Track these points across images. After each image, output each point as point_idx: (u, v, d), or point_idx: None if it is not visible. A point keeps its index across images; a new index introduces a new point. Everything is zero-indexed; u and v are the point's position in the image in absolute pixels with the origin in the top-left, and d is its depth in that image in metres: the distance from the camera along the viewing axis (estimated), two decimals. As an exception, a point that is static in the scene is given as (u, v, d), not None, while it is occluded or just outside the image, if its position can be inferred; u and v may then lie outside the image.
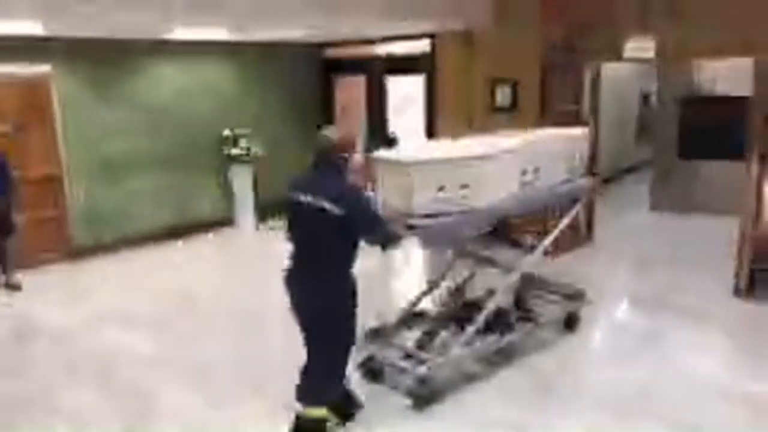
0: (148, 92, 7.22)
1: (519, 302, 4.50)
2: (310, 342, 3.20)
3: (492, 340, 4.06)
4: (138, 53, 7.02)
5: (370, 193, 3.57)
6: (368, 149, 8.12)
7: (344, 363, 3.26)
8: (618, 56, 5.75)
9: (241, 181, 7.99)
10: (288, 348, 4.44)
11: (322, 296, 3.08)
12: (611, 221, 7.46)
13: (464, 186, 3.59)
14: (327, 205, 2.96)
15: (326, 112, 9.01)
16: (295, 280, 3.17)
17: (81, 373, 4.27)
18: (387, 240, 3.19)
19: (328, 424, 3.25)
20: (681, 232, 7.43)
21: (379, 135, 8.22)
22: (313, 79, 8.84)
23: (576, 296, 4.75)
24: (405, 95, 8.23)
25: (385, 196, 3.66)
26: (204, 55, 7.61)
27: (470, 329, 3.91)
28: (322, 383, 3.21)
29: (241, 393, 3.94)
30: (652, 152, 8.99)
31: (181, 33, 6.41)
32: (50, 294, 5.87)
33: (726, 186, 7.10)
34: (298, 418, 3.24)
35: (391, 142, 8.08)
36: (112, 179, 7.04)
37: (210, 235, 7.73)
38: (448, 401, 3.73)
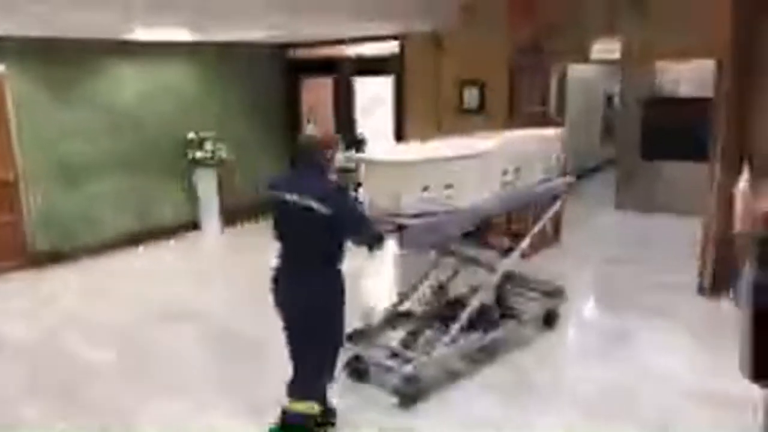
0: (108, 94, 7.00)
1: (500, 300, 4.54)
2: (299, 340, 3.19)
3: (475, 338, 4.12)
4: (98, 54, 6.80)
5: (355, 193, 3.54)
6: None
7: (334, 361, 3.27)
8: (585, 58, 5.79)
9: (206, 184, 7.82)
10: (257, 353, 4.44)
11: (310, 294, 3.07)
12: (577, 221, 7.53)
13: (449, 186, 3.64)
14: (314, 204, 2.95)
15: (293, 114, 8.91)
16: (283, 278, 3.17)
17: (44, 387, 4.11)
18: (374, 240, 3.20)
19: (317, 420, 3.22)
20: (645, 232, 7.55)
21: (347, 136, 8.15)
22: (279, 80, 8.72)
23: (555, 293, 4.84)
24: (373, 96, 8.18)
25: (371, 197, 3.66)
26: (166, 56, 7.43)
27: (454, 327, 3.95)
28: (311, 380, 3.21)
29: (214, 401, 3.84)
30: (615, 153, 9.14)
31: (142, 33, 6.24)
32: (9, 303, 5.65)
33: (688, 187, 7.24)
34: (284, 412, 3.20)
35: (359, 143, 8.03)
36: (71, 183, 6.81)
37: (172, 242, 7.54)
38: (432, 399, 3.75)
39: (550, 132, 4.75)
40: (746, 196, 2.70)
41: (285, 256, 3.18)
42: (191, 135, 7.61)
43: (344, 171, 7.96)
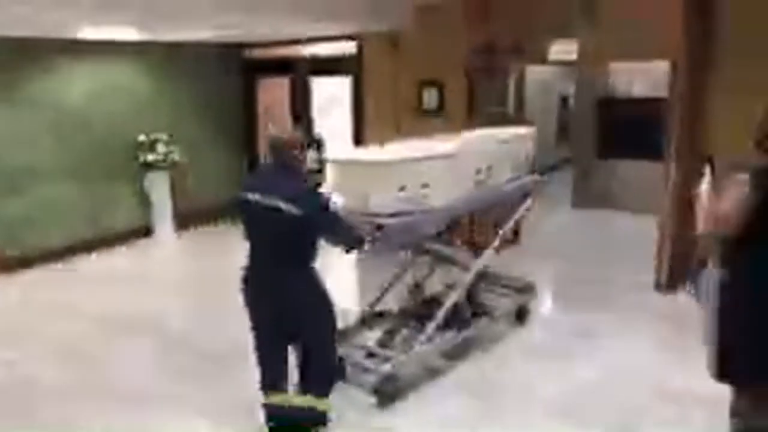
0: (55, 94, 6.70)
1: (471, 297, 4.53)
2: (280, 340, 3.15)
3: (451, 336, 4.16)
4: (43, 53, 6.50)
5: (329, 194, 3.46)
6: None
7: (336, 350, 3.29)
8: (543, 59, 5.83)
9: (159, 188, 7.58)
10: (217, 363, 4.29)
11: (292, 294, 3.02)
12: (535, 219, 7.58)
13: (425, 185, 3.66)
14: (283, 205, 2.88)
15: (248, 115, 8.73)
16: (254, 279, 3.11)
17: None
18: (351, 241, 3.20)
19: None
20: (602, 230, 7.67)
21: (305, 133, 8.02)
22: (234, 80, 8.52)
23: (525, 289, 4.93)
24: (330, 97, 8.07)
25: (346, 198, 3.64)
26: (116, 55, 7.16)
27: (430, 326, 3.96)
28: (323, 374, 3.22)
29: (174, 416, 3.68)
30: (571, 152, 9.28)
31: (90, 32, 5.99)
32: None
33: (643, 185, 7.39)
34: (276, 405, 3.20)
35: (317, 144, 7.90)
36: (14, 188, 6.48)
37: (124, 248, 7.27)
38: (410, 397, 3.80)
39: (520, 130, 4.81)
40: (709, 197, 2.72)
41: (255, 256, 3.12)
42: (142, 137, 7.36)
43: (309, 172, 7.85)
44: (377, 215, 3.49)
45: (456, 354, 4.26)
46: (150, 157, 7.37)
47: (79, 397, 3.97)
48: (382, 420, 3.58)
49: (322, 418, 3.23)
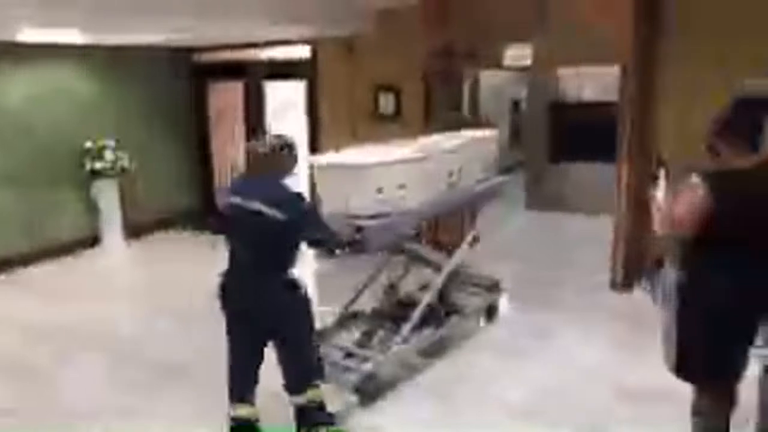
0: (-8, 99, 6.39)
1: (443, 297, 4.63)
2: (276, 338, 3.13)
3: (427, 335, 4.27)
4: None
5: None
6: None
7: (316, 348, 3.31)
8: (497, 64, 5.89)
9: (107, 196, 7.30)
10: (177, 378, 4.14)
11: (272, 297, 3.04)
12: (490, 221, 7.63)
13: (401, 187, 3.76)
14: (266, 210, 2.92)
15: (200, 120, 8.53)
16: (234, 283, 3.11)
17: None
18: (332, 245, 3.33)
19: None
20: (556, 231, 7.80)
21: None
22: (184, 85, 8.31)
23: (493, 288, 5.09)
24: (285, 101, 7.96)
25: (325, 200, 3.76)
26: (61, 59, 6.87)
27: (407, 326, 4.06)
28: (309, 370, 3.23)
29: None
30: (524, 155, 9.41)
31: (31, 35, 5.72)
32: None
33: (595, 187, 7.54)
34: (299, 407, 3.23)
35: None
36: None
37: (70, 259, 6.97)
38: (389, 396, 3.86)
39: (486, 133, 4.95)
40: (665, 199, 2.78)
41: (236, 260, 3.12)
42: (88, 144, 7.08)
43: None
44: (357, 217, 3.58)
45: (431, 352, 4.35)
46: (97, 165, 7.10)
47: (21, 415, 3.78)
48: (360, 419, 3.61)
49: (329, 419, 3.30)
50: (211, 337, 4.14)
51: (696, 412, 2.85)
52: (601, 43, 5.17)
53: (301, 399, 3.20)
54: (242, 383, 3.17)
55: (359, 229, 3.55)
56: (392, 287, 4.67)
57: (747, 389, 2.85)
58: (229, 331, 3.15)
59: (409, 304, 4.40)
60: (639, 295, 5.42)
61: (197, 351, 4.50)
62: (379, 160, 3.78)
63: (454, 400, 3.84)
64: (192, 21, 5.21)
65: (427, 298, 4.22)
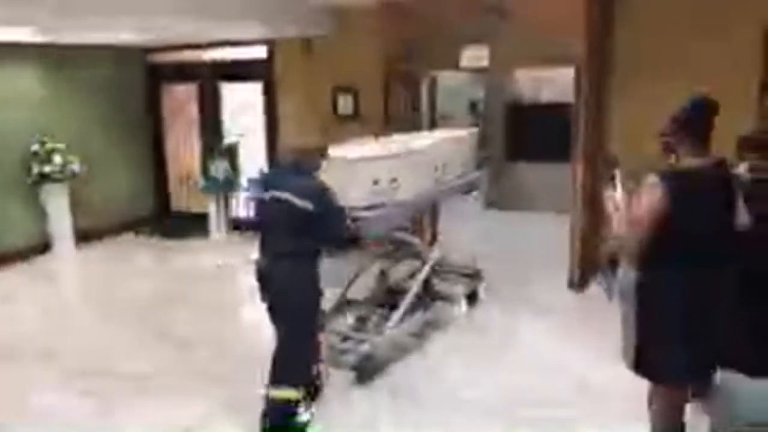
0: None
1: (428, 284, 4.90)
2: (281, 328, 3.36)
3: (416, 319, 4.60)
4: None
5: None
6: (206, 156, 7.69)
7: (311, 347, 3.54)
8: (455, 65, 5.92)
9: (56, 201, 7.05)
10: (134, 393, 4.01)
11: (292, 286, 3.28)
12: (450, 219, 7.69)
13: (394, 180, 4.04)
14: (298, 201, 3.19)
15: (154, 122, 8.33)
16: (268, 271, 3.33)
17: None
18: (343, 240, 3.61)
19: (299, 406, 3.41)
20: (514, 229, 7.85)
21: (215, 143, 7.75)
22: (138, 86, 8.12)
23: (475, 276, 5.39)
24: (242, 102, 7.82)
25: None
26: (7, 59, 6.60)
27: (399, 310, 4.35)
28: (292, 367, 3.38)
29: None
30: (481, 155, 9.48)
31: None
32: None
33: (551, 186, 7.66)
34: (271, 400, 3.35)
35: (229, 150, 7.67)
36: None
37: (17, 267, 6.70)
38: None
39: (464, 132, 5.35)
40: (622, 199, 2.83)
41: (266, 249, 3.38)
42: (35, 147, 6.82)
43: (217, 182, 7.61)
44: (354, 208, 3.76)
45: (420, 333, 4.67)
46: (46, 168, 6.84)
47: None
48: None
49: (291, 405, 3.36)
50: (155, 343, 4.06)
51: (652, 406, 2.90)
52: (556, 45, 5.24)
53: (276, 393, 3.31)
54: (273, 367, 3.36)
55: (354, 219, 3.72)
56: (383, 275, 4.95)
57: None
58: (271, 318, 3.39)
59: (398, 292, 4.73)
60: (595, 293, 5.52)
61: (146, 360, 4.40)
62: (375, 154, 4.04)
63: (404, 403, 3.82)
64: (144, 20, 5.07)
65: (415, 286, 4.53)
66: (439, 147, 4.65)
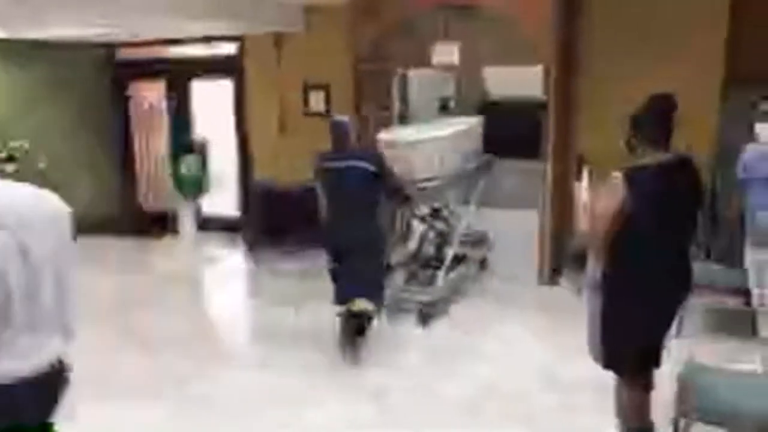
0: None
1: (440, 249, 5.57)
2: (357, 262, 4.27)
3: (454, 275, 5.34)
4: None
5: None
6: (175, 155, 7.57)
7: (384, 275, 4.64)
8: (426, 63, 5.94)
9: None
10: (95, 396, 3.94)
11: (365, 230, 4.30)
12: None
13: (441, 159, 4.79)
14: (362, 164, 4.21)
15: (121, 119, 8.17)
16: (335, 226, 4.33)
17: None
18: (401, 196, 4.67)
19: (372, 318, 4.35)
20: (485, 226, 7.84)
21: (185, 140, 7.64)
22: (105, 82, 7.95)
23: (486, 241, 5.99)
24: (212, 99, 7.73)
25: (396, 168, 4.51)
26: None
27: (443, 269, 5.16)
28: (372, 287, 4.34)
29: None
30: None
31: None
32: None
33: (520, 183, 7.70)
34: (349, 311, 4.24)
35: (200, 147, 7.57)
36: None
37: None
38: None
39: (475, 120, 6.00)
40: (589, 195, 2.87)
41: (334, 211, 4.33)
42: (-5, 145, 6.63)
43: (186, 181, 7.49)
44: (416, 180, 4.63)
45: (456, 288, 5.44)
46: (8, 168, 6.65)
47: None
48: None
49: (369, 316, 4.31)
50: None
51: (619, 399, 2.96)
52: (525, 44, 5.30)
53: (356, 305, 4.21)
54: (347, 289, 4.28)
55: (420, 189, 4.69)
56: (423, 240, 5.67)
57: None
58: (332, 258, 4.38)
59: (435, 254, 5.56)
60: (565, 288, 5.59)
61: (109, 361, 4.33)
62: (434, 135, 4.89)
63: (377, 404, 3.82)
64: (110, 15, 4.97)
65: (453, 249, 5.37)
66: (464, 132, 5.43)
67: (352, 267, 4.28)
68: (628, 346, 2.80)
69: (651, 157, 2.71)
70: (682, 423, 2.79)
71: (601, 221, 2.73)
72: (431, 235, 5.62)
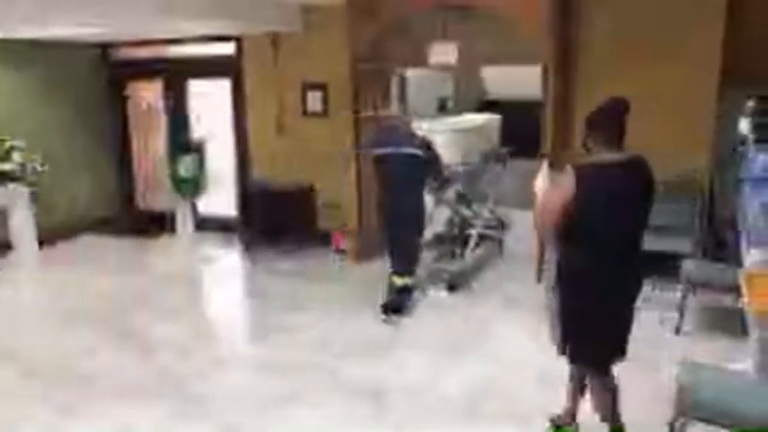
0: None
1: (462, 230, 6.20)
2: (401, 235, 4.95)
3: (480, 253, 6.06)
4: None
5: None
6: (172, 154, 7.57)
7: (421, 249, 5.28)
8: (424, 62, 5.94)
9: (17, 201, 6.85)
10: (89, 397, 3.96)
11: (410, 206, 4.89)
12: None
13: (472, 147, 5.61)
14: (414, 151, 4.76)
15: (119, 120, 8.16)
16: (388, 202, 4.94)
17: None
18: (443, 180, 5.40)
19: (411, 291, 5.12)
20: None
21: (183, 139, 7.64)
22: (103, 82, 7.94)
23: (503, 225, 6.55)
24: (210, 99, 7.72)
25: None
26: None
27: (470, 246, 5.87)
28: (408, 261, 5.01)
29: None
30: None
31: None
32: None
33: (519, 183, 7.70)
34: (393, 283, 4.98)
35: (197, 146, 7.57)
36: None
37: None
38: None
39: (492, 116, 6.63)
40: (542, 192, 2.94)
41: (388, 187, 4.91)
42: (-8, 144, 6.62)
43: (184, 181, 7.49)
44: (452, 164, 5.38)
45: (479, 264, 6.13)
46: (6, 167, 6.65)
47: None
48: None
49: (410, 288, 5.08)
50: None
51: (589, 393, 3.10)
52: (523, 44, 5.30)
53: (398, 279, 4.93)
54: (394, 261, 4.98)
55: (457, 172, 5.55)
56: (452, 220, 6.28)
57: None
58: (385, 228, 5.05)
59: (460, 235, 6.17)
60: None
61: (107, 361, 4.33)
62: (465, 127, 5.78)
63: (369, 400, 3.83)
64: (106, 14, 4.96)
65: (478, 228, 5.98)
66: (488, 125, 6.18)
67: (398, 238, 4.97)
68: (587, 341, 2.89)
69: (602, 155, 2.80)
70: (678, 422, 2.80)
71: (548, 213, 2.81)
72: (456, 219, 6.27)
